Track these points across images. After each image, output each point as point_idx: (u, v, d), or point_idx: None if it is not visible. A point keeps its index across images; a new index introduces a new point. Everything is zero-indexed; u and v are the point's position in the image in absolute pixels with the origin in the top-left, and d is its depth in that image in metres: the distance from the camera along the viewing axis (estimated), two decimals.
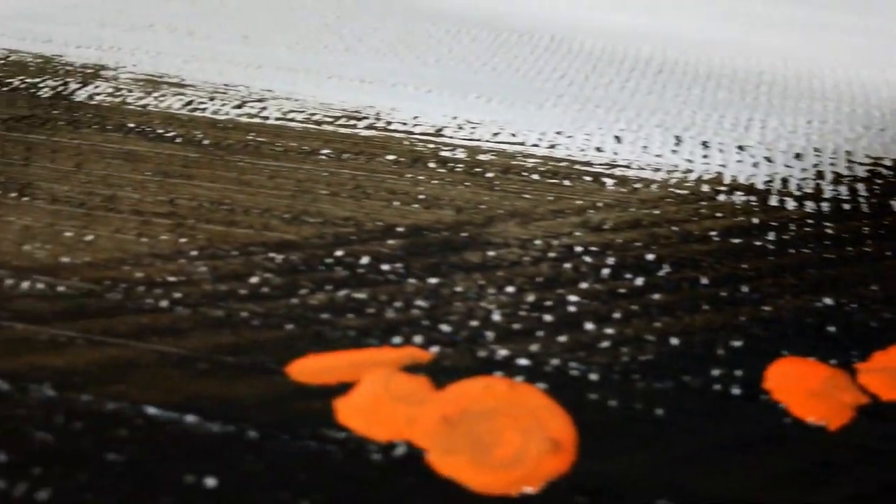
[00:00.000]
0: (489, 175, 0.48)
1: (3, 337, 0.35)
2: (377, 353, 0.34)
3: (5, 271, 0.39)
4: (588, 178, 0.48)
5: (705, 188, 0.47)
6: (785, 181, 0.49)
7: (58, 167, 0.49)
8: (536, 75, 0.63)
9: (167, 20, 0.74)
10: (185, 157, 0.50)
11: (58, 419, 0.31)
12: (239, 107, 0.56)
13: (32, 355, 0.34)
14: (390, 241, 0.42)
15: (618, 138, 0.52)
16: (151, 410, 0.31)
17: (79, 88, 0.59)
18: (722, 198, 0.46)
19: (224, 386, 0.32)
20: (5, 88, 0.60)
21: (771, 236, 0.43)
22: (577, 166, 0.49)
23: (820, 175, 0.50)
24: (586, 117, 0.56)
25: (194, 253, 0.41)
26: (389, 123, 0.54)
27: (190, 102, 0.57)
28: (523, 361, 0.34)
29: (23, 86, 0.60)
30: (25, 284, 0.38)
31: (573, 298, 0.37)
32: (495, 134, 0.53)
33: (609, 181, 0.47)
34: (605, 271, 0.39)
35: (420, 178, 0.47)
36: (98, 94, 0.58)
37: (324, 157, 0.50)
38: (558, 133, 0.53)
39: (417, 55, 0.67)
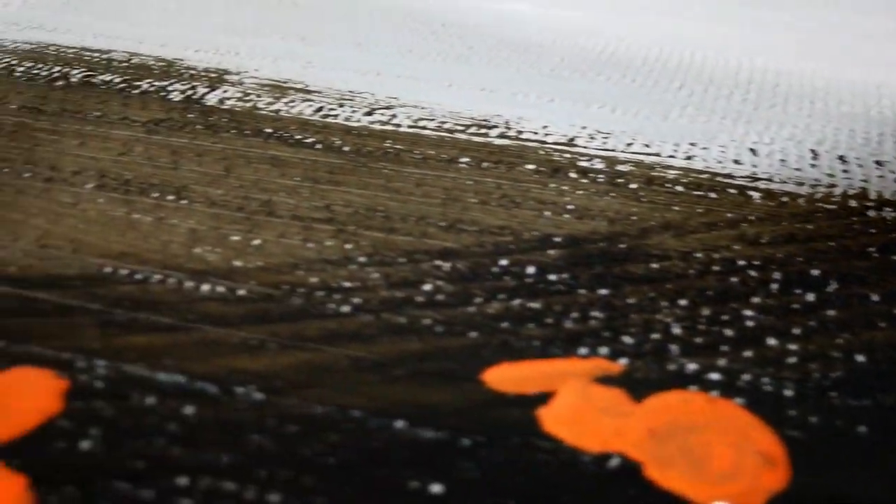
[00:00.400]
0: (633, 186, 0.48)
1: (195, 339, 0.36)
2: (569, 364, 0.34)
3: (182, 274, 0.40)
4: (733, 191, 0.48)
5: (853, 203, 0.47)
6: None
7: (207, 171, 0.50)
8: (653, 86, 0.63)
9: (277, 25, 0.75)
10: (330, 163, 0.50)
11: (270, 422, 0.31)
12: (369, 114, 0.57)
13: (228, 358, 0.35)
14: (550, 252, 0.42)
15: (753, 151, 0.52)
16: (358, 415, 0.32)
17: (208, 92, 0.60)
18: (872, 213, 0.46)
19: (423, 392, 0.33)
20: (135, 91, 0.61)
21: None
22: (718, 178, 0.49)
23: None
24: (715, 129, 0.56)
25: (363, 259, 0.41)
26: (521, 133, 0.55)
27: (320, 109, 0.58)
28: (714, 376, 0.34)
29: (152, 89, 0.61)
30: (205, 287, 0.39)
31: (748, 313, 0.38)
32: (629, 144, 0.53)
33: (755, 194, 0.48)
34: (774, 286, 0.40)
35: (564, 188, 0.48)
36: (228, 98, 0.59)
37: (464, 165, 0.50)
38: (692, 144, 0.53)
39: (531, 64, 0.67)
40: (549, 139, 0.54)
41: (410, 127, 0.55)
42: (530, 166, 0.50)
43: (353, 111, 0.57)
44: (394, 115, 0.57)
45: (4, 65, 0.65)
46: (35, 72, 0.64)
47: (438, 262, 0.41)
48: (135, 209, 0.45)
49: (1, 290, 0.39)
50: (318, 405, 0.32)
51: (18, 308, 0.38)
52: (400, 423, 0.31)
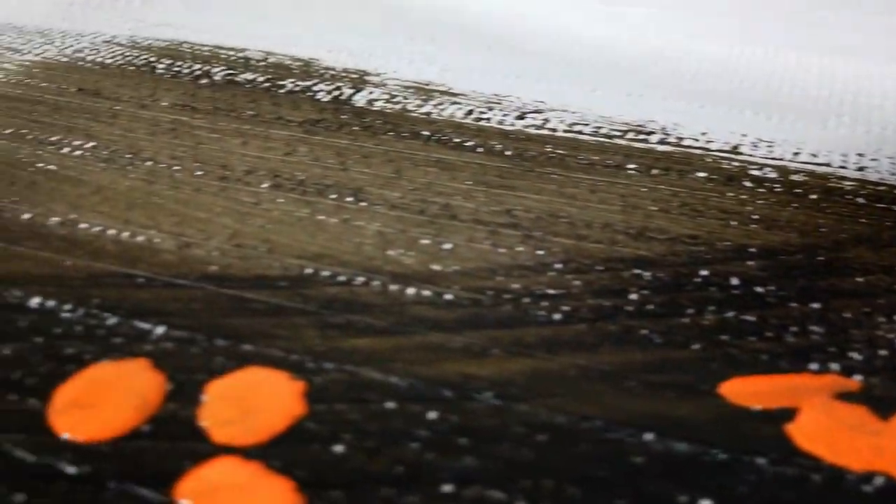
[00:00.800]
0: (813, 197, 0.47)
1: (417, 343, 0.36)
2: (805, 379, 0.34)
3: (383, 277, 0.40)
4: None
5: None
6: None
7: (377, 173, 0.50)
8: (801, 93, 0.62)
9: (406, 26, 0.75)
10: (497, 167, 0.50)
11: (517, 430, 0.31)
12: (520, 118, 0.57)
13: (456, 363, 0.35)
14: (749, 263, 0.42)
15: None
16: (601, 425, 0.32)
17: (354, 93, 0.61)
18: None
19: (662, 404, 0.33)
20: (281, 91, 0.61)
21: None
22: None
23: None
24: (878, 140, 0.55)
25: (559, 266, 0.41)
26: (681, 139, 0.54)
27: (470, 112, 0.58)
28: None
29: (297, 89, 0.62)
30: (410, 291, 0.39)
31: None
32: (796, 154, 0.52)
33: None
34: None
35: (743, 197, 0.47)
36: (375, 100, 0.60)
37: (633, 171, 0.50)
38: (860, 155, 0.52)
39: (671, 69, 0.66)
40: (711, 146, 0.53)
41: (566, 131, 0.55)
42: (701, 174, 0.50)
43: (504, 115, 0.57)
44: (546, 120, 0.57)
45: (144, 61, 0.66)
46: (176, 69, 0.65)
47: (637, 271, 0.41)
48: (317, 210, 0.46)
49: (209, 288, 0.39)
50: (559, 414, 0.32)
51: (232, 308, 0.38)
52: (649, 436, 0.31)
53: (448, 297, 0.39)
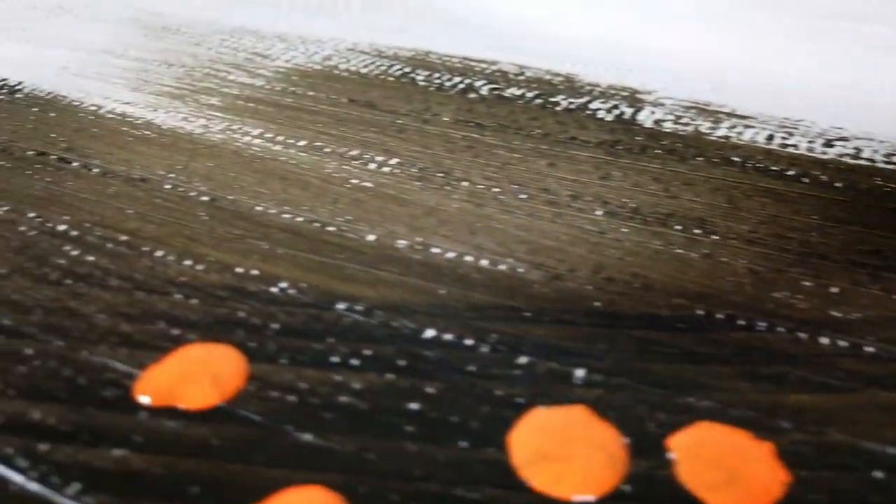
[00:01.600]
0: None
1: (867, 401, 0.33)
2: None
3: (787, 323, 0.37)
4: None
5: None
6: None
7: (709, 202, 0.47)
8: None
9: (635, 39, 0.72)
10: (839, 201, 0.47)
11: None
12: (828, 145, 0.54)
13: None
14: None
15: None
16: None
17: (634, 113, 0.58)
18: None
19: None
20: (558, 108, 0.59)
21: None
22: None
23: None
24: None
25: None
26: None
27: (771, 137, 0.55)
28: None
29: (572, 106, 0.59)
30: (824, 341, 0.36)
31: None
32: None
33: None
34: None
35: None
36: (662, 120, 0.57)
37: None
38: None
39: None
40: None
41: (887, 163, 0.52)
42: None
43: (810, 141, 0.54)
44: (857, 149, 0.53)
45: (400, 72, 0.65)
46: (437, 81, 0.63)
47: None
48: (669, 242, 0.43)
49: (604, 327, 0.37)
50: None
51: (641, 351, 0.35)
52: None
53: (869, 349, 0.36)
